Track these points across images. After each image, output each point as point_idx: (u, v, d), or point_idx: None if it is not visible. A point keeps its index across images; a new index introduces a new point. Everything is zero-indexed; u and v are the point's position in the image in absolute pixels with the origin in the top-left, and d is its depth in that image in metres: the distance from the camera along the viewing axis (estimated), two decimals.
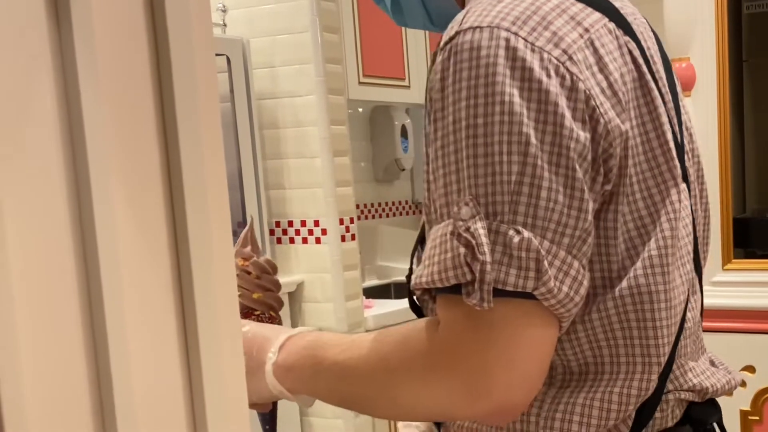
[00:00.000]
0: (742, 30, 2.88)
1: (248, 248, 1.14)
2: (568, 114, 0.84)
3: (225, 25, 3.06)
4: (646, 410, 0.93)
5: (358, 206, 3.65)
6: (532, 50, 0.84)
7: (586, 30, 0.88)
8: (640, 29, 0.98)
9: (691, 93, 2.48)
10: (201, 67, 0.51)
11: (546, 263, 0.82)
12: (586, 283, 0.85)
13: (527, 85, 0.83)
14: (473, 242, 0.82)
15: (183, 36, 0.50)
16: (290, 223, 3.10)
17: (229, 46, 2.98)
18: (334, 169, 2.99)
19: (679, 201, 0.92)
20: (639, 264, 0.89)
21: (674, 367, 0.95)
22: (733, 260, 2.53)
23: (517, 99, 0.83)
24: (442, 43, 0.88)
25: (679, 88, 1.06)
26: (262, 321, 1.12)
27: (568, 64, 0.85)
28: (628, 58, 0.91)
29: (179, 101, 0.51)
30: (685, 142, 1.02)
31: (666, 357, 0.92)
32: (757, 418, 2.47)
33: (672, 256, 0.91)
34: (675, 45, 2.47)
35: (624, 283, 0.89)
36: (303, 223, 3.09)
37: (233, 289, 0.54)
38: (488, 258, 0.82)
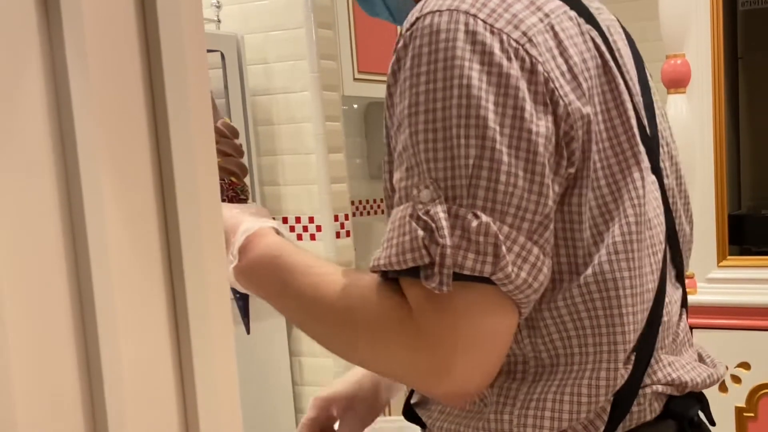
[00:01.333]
0: (737, 26, 2.88)
1: None
2: (528, 97, 0.83)
3: (219, 21, 3.05)
4: (621, 404, 0.93)
5: (353, 203, 3.65)
6: (492, 32, 0.84)
7: (546, 15, 0.88)
8: (606, 23, 0.98)
9: (686, 89, 2.48)
10: (192, 64, 0.51)
11: (504, 248, 0.82)
12: (545, 269, 0.85)
13: (486, 68, 0.83)
14: (433, 225, 0.82)
15: (174, 31, 0.50)
16: (285, 220, 3.10)
17: (223, 42, 2.97)
18: (329, 165, 2.99)
19: (644, 187, 0.91)
20: (603, 250, 0.88)
21: (652, 361, 0.95)
22: (728, 257, 2.53)
23: (475, 82, 0.82)
24: (403, 30, 0.87)
25: (653, 90, 1.06)
26: (222, 188, 1.09)
27: (527, 46, 0.85)
28: (590, 44, 0.91)
29: (170, 98, 0.50)
30: (660, 139, 1.02)
31: (632, 344, 0.91)
32: (752, 414, 2.47)
33: (638, 242, 0.90)
34: (670, 41, 2.47)
35: (589, 270, 0.88)
36: (298, 220, 3.08)
37: (225, 288, 0.53)
38: (448, 242, 0.81)
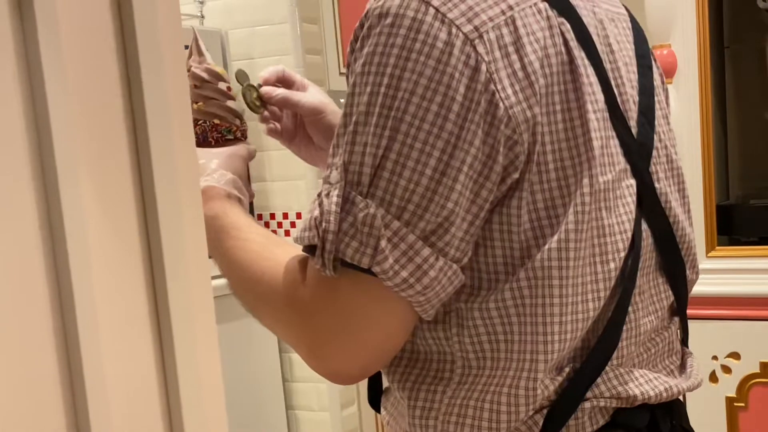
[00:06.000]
0: (723, 16, 2.88)
1: (191, 59, 1.14)
2: (459, 96, 0.81)
3: (203, 16, 3.04)
4: (555, 417, 0.90)
5: None
6: (442, 21, 0.82)
7: (510, 7, 0.85)
8: (599, 17, 0.95)
9: (672, 80, 2.48)
10: (169, 59, 0.50)
11: (386, 243, 0.81)
12: (435, 273, 0.83)
13: (423, 59, 0.81)
14: (324, 209, 0.82)
15: (150, 26, 0.49)
16: (272, 216, 3.09)
17: (206, 37, 2.96)
18: None
19: (591, 194, 0.87)
20: (539, 256, 0.86)
21: (603, 376, 0.91)
22: (717, 247, 2.53)
23: (407, 74, 0.81)
24: (365, 10, 0.86)
25: (658, 89, 1.02)
26: (204, 130, 1.13)
27: (476, 42, 0.82)
28: (558, 39, 0.87)
29: (148, 94, 0.50)
30: (656, 142, 0.98)
31: (560, 355, 0.88)
32: (742, 404, 2.47)
33: (575, 251, 0.86)
34: (656, 32, 2.47)
35: (522, 274, 0.86)
36: (285, 216, 3.07)
37: (207, 285, 0.53)
38: (332, 227, 0.81)
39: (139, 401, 0.49)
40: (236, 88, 1.20)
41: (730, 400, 2.48)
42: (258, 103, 1.17)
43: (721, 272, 2.46)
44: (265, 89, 1.18)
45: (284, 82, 1.21)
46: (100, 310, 0.47)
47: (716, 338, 2.42)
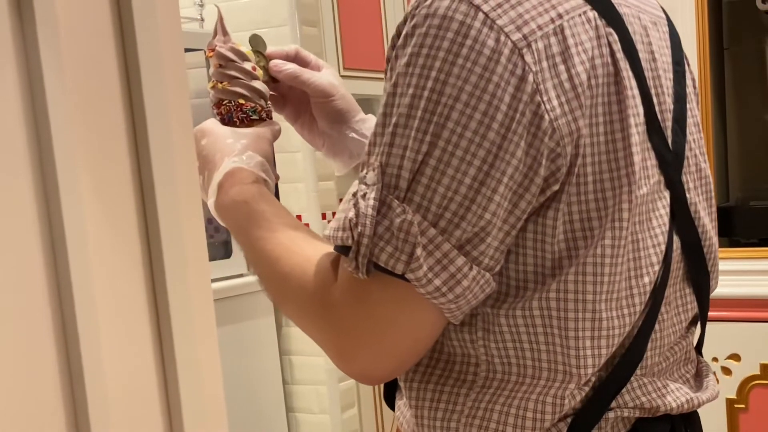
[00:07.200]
0: (722, 18, 2.88)
1: (215, 38, 1.14)
2: (503, 106, 0.79)
3: (202, 19, 3.04)
4: (579, 427, 0.89)
5: (340, 200, 3.64)
6: (491, 28, 0.80)
7: (560, 15, 0.83)
8: (644, 23, 0.93)
9: None
10: (169, 61, 0.50)
11: (421, 250, 0.80)
12: (468, 282, 0.82)
13: (469, 65, 0.80)
14: (360, 211, 0.81)
15: (149, 27, 0.49)
16: None
17: (206, 40, 2.95)
18: (316, 163, 2.98)
19: (630, 210, 0.86)
20: (572, 269, 0.85)
21: (627, 386, 0.91)
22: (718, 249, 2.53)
23: (452, 79, 0.80)
24: (410, 7, 0.85)
25: (691, 96, 1.01)
26: (229, 110, 1.12)
27: (524, 51, 0.80)
28: (606, 50, 0.85)
29: (148, 98, 0.50)
30: (687, 151, 0.97)
31: (590, 369, 0.87)
32: (743, 406, 2.47)
33: (611, 266, 0.86)
34: None
35: (554, 285, 0.85)
36: None
37: (207, 287, 0.53)
38: (367, 231, 0.80)
39: (140, 404, 0.49)
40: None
41: (730, 402, 2.48)
42: (265, 73, 1.16)
43: (721, 273, 2.44)
44: (274, 62, 1.16)
45: (298, 60, 1.19)
46: (101, 313, 0.47)
47: (717, 340, 2.42)
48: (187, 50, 2.60)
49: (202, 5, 3.03)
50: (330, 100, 1.18)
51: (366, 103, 4.07)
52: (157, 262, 0.50)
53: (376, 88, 3.90)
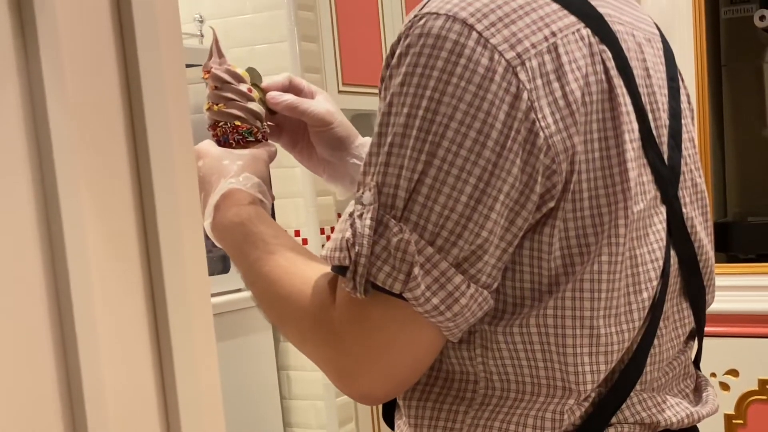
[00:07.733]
0: (720, 34, 2.89)
1: (211, 60, 1.14)
2: (498, 123, 0.80)
3: (202, 35, 3.04)
4: None
5: (339, 215, 3.64)
6: (484, 47, 0.80)
7: (553, 33, 0.83)
8: (638, 40, 0.93)
9: None
10: (171, 81, 0.50)
11: (419, 269, 0.80)
12: (465, 300, 0.82)
13: (463, 84, 0.80)
14: (357, 231, 0.81)
15: (151, 45, 0.49)
16: None
17: (206, 56, 2.96)
18: (315, 178, 2.97)
19: (626, 225, 0.86)
20: (570, 286, 0.85)
21: (627, 401, 0.91)
22: (715, 264, 2.53)
23: (446, 98, 0.80)
24: (403, 27, 0.85)
25: (686, 111, 1.01)
26: (225, 132, 1.12)
27: (518, 69, 0.80)
28: (599, 67, 0.85)
29: (149, 114, 0.50)
30: (683, 166, 0.97)
31: (590, 386, 0.88)
32: (741, 421, 2.47)
33: (608, 282, 0.86)
34: None
35: (551, 302, 0.85)
36: None
37: (206, 301, 0.53)
38: (364, 250, 0.81)
39: (138, 418, 0.49)
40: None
41: (728, 418, 2.48)
42: (262, 105, 1.16)
43: (719, 289, 2.43)
44: (271, 94, 1.16)
45: (291, 88, 1.19)
46: (100, 326, 0.47)
47: (715, 355, 2.42)
48: (186, 66, 2.60)
49: (201, 21, 3.04)
50: (329, 128, 1.18)
51: (365, 118, 4.08)
52: (157, 280, 0.50)
53: (376, 103, 3.89)
